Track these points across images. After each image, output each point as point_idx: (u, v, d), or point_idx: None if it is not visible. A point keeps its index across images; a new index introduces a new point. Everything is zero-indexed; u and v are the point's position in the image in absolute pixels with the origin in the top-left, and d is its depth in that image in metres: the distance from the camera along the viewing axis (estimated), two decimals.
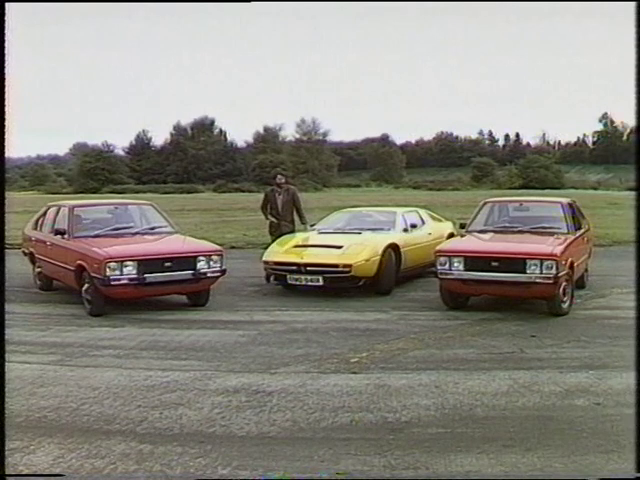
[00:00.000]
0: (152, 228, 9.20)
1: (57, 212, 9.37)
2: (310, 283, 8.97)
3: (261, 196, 11.56)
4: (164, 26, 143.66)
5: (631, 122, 75.73)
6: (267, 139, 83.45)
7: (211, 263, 8.28)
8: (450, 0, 22.73)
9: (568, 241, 8.04)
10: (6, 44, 3.15)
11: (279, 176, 10.93)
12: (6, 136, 3.17)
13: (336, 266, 8.84)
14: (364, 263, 8.87)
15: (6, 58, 3.16)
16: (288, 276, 9.09)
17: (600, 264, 10.56)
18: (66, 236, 8.56)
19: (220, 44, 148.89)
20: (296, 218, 10.84)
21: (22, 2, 3.53)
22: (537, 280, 7.42)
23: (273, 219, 10.62)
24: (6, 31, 3.16)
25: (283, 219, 10.54)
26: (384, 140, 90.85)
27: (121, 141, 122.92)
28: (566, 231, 8.43)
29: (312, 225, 10.59)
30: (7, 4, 3.16)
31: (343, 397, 4.90)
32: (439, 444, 4.03)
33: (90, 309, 7.94)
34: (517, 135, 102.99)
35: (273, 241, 10.24)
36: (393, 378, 5.34)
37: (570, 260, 7.75)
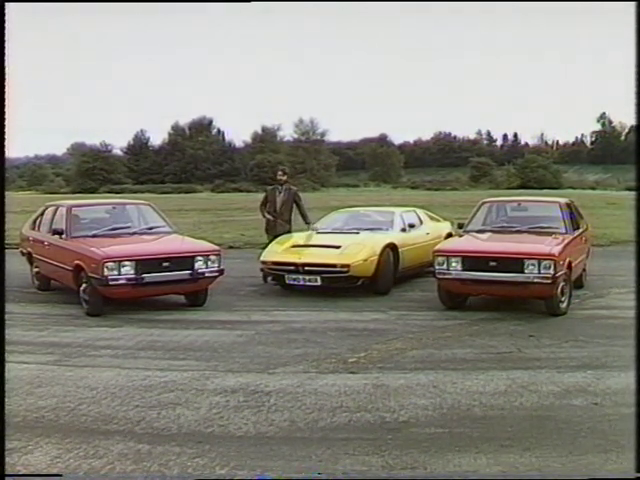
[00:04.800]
0: (150, 228, 9.19)
1: (55, 212, 9.35)
2: (308, 283, 8.96)
3: (259, 196, 11.58)
4: (162, 25, 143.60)
5: (629, 122, 75.74)
6: (265, 139, 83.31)
7: (209, 263, 8.28)
8: (449, 0, 22.74)
9: (566, 241, 8.05)
10: (6, 44, 3.15)
11: (279, 172, 10.94)
12: (6, 136, 3.17)
13: (334, 266, 8.83)
14: (362, 263, 8.86)
15: (6, 58, 3.16)
16: (286, 276, 9.08)
17: (598, 264, 10.55)
18: (64, 236, 8.55)
19: (219, 44, 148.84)
20: (296, 219, 10.83)
21: (22, 2, 3.53)
22: (535, 280, 7.42)
23: (269, 216, 10.61)
24: (6, 31, 3.16)
25: (280, 217, 10.50)
26: (382, 140, 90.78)
27: (119, 141, 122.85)
28: (564, 231, 8.43)
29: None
30: (7, 4, 3.16)
31: (341, 397, 4.90)
32: (437, 444, 4.03)
33: (88, 309, 7.94)
34: (515, 135, 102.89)
35: (270, 241, 10.23)
36: (391, 378, 5.34)
37: (568, 260, 7.75)
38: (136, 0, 11.52)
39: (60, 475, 3.66)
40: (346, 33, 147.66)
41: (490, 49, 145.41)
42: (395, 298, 8.93)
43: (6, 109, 3.17)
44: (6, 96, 3.16)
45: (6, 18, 3.16)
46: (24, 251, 10.18)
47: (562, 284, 7.61)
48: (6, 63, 3.15)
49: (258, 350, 6.32)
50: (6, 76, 3.16)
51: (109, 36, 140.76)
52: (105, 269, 7.67)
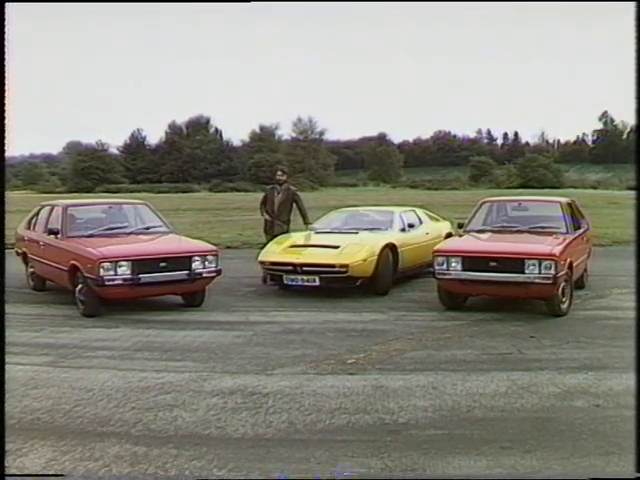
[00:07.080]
0: (147, 228, 9.15)
1: (50, 212, 9.31)
2: (307, 283, 8.91)
3: (258, 195, 11.57)
4: (160, 25, 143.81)
5: (631, 121, 75.82)
6: (263, 138, 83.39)
7: (206, 263, 8.24)
8: (451, 0, 22.71)
9: (567, 241, 8.01)
10: (6, 44, 3.12)
11: (279, 172, 10.90)
12: (6, 136, 3.14)
13: (333, 266, 8.79)
14: (361, 263, 8.82)
15: (6, 58, 3.12)
16: (284, 276, 9.03)
17: (599, 264, 10.53)
18: (59, 236, 8.51)
19: (217, 43, 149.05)
20: (295, 219, 10.77)
21: (22, 2, 3.50)
22: (536, 280, 7.38)
23: (267, 216, 10.58)
24: (6, 31, 3.13)
25: (277, 218, 10.46)
26: (381, 139, 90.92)
27: (115, 140, 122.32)
28: (565, 231, 8.39)
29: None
30: (7, 4, 3.13)
31: (340, 398, 4.86)
32: (437, 446, 3.99)
33: (84, 310, 7.89)
34: (516, 134, 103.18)
35: (268, 241, 10.19)
36: (390, 379, 5.30)
37: (569, 260, 7.71)
38: (137, 0, 11.48)
39: (61, 475, 3.62)
40: (345, 32, 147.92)
41: (490, 49, 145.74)
42: (394, 298, 8.89)
43: (6, 109, 3.14)
44: (6, 96, 3.13)
45: (6, 18, 3.13)
46: (19, 251, 10.14)
47: (563, 284, 7.56)
48: (6, 63, 3.12)
49: (256, 351, 6.27)
50: (6, 76, 3.12)
51: (107, 35, 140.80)
52: (101, 269, 7.62)
